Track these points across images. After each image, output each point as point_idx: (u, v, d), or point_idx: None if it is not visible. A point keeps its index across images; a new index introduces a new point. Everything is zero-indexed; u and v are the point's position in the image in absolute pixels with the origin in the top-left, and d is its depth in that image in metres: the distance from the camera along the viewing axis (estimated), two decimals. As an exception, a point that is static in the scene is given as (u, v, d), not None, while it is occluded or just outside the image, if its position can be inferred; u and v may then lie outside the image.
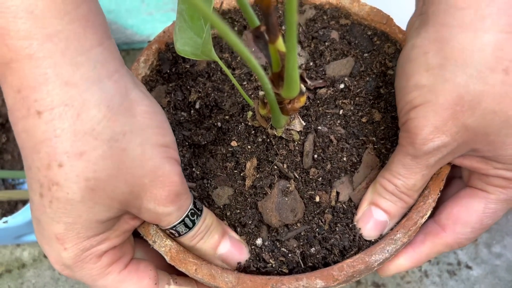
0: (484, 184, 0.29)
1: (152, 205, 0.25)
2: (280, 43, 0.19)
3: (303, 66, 0.34)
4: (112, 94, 0.23)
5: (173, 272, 0.29)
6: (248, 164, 0.30)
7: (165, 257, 0.28)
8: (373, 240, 0.29)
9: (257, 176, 0.30)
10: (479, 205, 0.29)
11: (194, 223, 0.27)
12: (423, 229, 0.30)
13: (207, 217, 0.28)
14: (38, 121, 0.22)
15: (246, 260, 0.28)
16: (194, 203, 0.27)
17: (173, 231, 0.27)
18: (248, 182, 0.30)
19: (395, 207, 0.29)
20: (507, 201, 0.28)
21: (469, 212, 0.29)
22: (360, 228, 0.29)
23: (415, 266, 0.30)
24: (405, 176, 0.28)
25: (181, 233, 0.27)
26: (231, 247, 0.28)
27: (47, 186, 0.23)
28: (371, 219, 0.29)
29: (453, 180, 0.33)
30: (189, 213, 0.27)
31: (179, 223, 0.27)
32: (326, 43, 0.35)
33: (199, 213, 0.27)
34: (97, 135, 0.22)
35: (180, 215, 0.26)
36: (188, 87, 0.34)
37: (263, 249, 0.29)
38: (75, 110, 0.22)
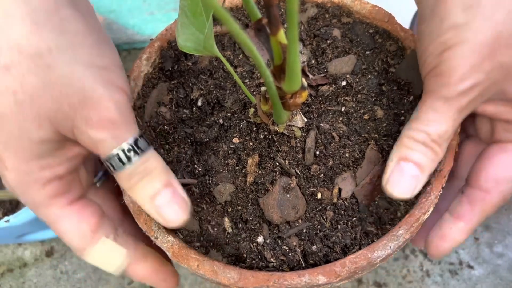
0: None
1: (84, 128, 0.24)
2: (281, 35, 0.19)
3: (305, 63, 0.34)
4: (39, 9, 0.23)
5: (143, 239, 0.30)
6: (250, 161, 0.30)
7: (167, 253, 0.28)
8: (403, 200, 0.29)
9: (259, 172, 0.30)
10: None
11: (129, 160, 0.25)
12: (465, 199, 0.30)
13: (151, 160, 0.26)
14: None
15: (247, 260, 0.28)
16: (136, 141, 0.25)
17: (108, 164, 0.25)
18: (249, 179, 0.30)
19: (426, 159, 0.27)
20: None
21: (508, 168, 0.28)
22: (389, 189, 0.27)
23: (467, 236, 0.30)
24: (437, 122, 0.26)
25: (115, 168, 0.25)
26: (171, 201, 0.25)
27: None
28: (402, 174, 0.27)
29: (463, 143, 0.32)
30: (126, 148, 0.25)
31: (114, 156, 0.25)
32: (328, 41, 0.35)
33: (139, 152, 0.25)
34: (21, 50, 0.22)
35: (114, 146, 0.25)
36: (190, 84, 0.34)
37: (264, 247, 0.29)
38: None
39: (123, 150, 0.25)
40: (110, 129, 0.24)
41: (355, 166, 0.30)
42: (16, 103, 0.23)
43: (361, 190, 0.30)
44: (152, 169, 0.26)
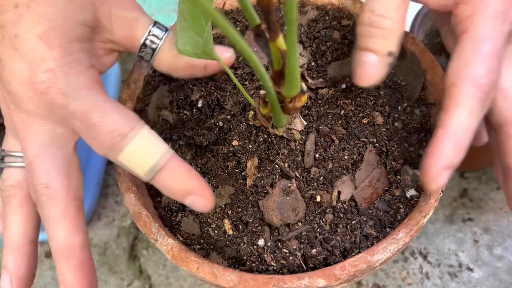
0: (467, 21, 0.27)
1: (119, 10, 0.28)
2: (280, 41, 0.19)
3: (305, 66, 0.34)
4: None
5: None
6: (249, 163, 0.30)
7: (167, 255, 0.28)
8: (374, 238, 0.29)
9: (258, 175, 0.30)
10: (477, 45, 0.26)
11: (166, 28, 0.30)
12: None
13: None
14: None
15: (247, 263, 0.28)
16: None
17: (153, 37, 0.29)
18: (249, 181, 0.30)
19: (380, 41, 0.27)
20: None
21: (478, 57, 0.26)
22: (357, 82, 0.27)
23: None
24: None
25: (162, 37, 0.30)
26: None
27: None
28: (364, 64, 0.27)
29: None
30: (156, 23, 0.30)
31: (153, 26, 0.29)
32: (328, 43, 0.35)
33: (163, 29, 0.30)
34: None
35: (148, 20, 0.29)
36: (191, 86, 0.34)
37: (265, 250, 0.29)
38: None
39: (156, 23, 0.30)
40: (140, 8, 0.29)
41: (354, 169, 0.30)
42: None
43: (360, 193, 0.30)
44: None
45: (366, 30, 0.28)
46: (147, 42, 0.29)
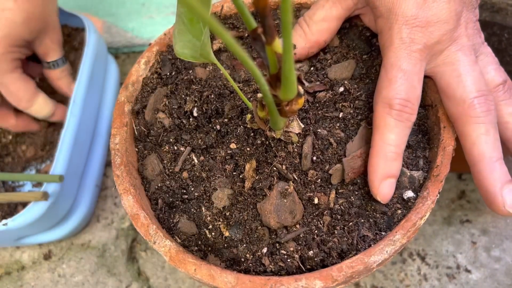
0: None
1: (49, 42, 0.45)
2: (277, 45, 0.19)
3: (304, 70, 0.35)
4: None
5: None
6: (247, 166, 0.30)
7: (165, 257, 0.28)
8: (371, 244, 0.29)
9: (256, 178, 0.30)
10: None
11: (64, 62, 0.48)
12: None
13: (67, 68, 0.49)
14: None
15: (245, 264, 0.29)
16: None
17: (55, 64, 0.47)
18: (247, 184, 0.30)
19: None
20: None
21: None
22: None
23: None
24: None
25: (58, 66, 0.48)
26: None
27: None
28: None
29: None
30: (63, 57, 0.48)
31: (60, 58, 0.47)
32: (326, 47, 0.35)
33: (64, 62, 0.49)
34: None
35: (60, 55, 0.47)
36: (183, 96, 0.34)
37: (263, 252, 0.29)
38: None
39: (63, 57, 0.48)
40: (60, 46, 0.47)
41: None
42: (27, 17, 0.42)
43: (350, 161, 0.30)
44: (70, 70, 0.50)
45: (296, 28, 0.36)
46: (56, 62, 0.48)
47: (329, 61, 0.34)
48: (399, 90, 0.29)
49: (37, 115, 0.47)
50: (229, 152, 0.31)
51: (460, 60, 0.30)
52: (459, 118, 0.30)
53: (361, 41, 0.35)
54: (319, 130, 0.31)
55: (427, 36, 0.30)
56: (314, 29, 0.34)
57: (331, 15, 0.34)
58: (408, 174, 0.30)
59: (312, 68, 0.34)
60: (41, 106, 0.46)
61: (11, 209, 0.46)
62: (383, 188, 0.29)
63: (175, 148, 0.33)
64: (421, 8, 0.30)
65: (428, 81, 0.32)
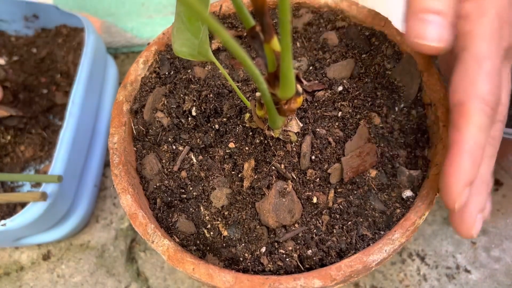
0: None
1: None
2: (275, 43, 0.19)
3: (303, 68, 0.35)
4: None
5: None
6: (246, 165, 0.30)
7: (163, 256, 0.28)
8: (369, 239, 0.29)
9: (255, 177, 0.30)
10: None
11: None
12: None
13: None
14: None
15: (244, 263, 0.28)
16: None
17: None
18: (246, 183, 0.30)
19: (444, 4, 0.26)
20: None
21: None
22: (415, 40, 0.26)
23: None
24: None
25: None
26: None
27: None
28: (427, 23, 0.25)
29: None
30: None
31: None
32: (325, 46, 0.35)
33: None
34: None
35: None
36: (182, 95, 0.34)
37: (261, 251, 0.29)
38: None
39: None
40: None
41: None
42: None
43: (349, 160, 0.30)
44: None
45: None
46: None
47: (328, 60, 0.34)
48: (493, 85, 0.26)
49: None
50: (227, 151, 0.31)
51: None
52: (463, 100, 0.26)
53: (360, 40, 0.35)
54: (318, 129, 0.31)
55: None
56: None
57: None
58: (407, 173, 0.30)
59: (311, 67, 0.34)
60: None
61: (10, 210, 0.46)
62: (463, 196, 0.25)
63: (174, 147, 0.33)
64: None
65: (427, 80, 0.32)
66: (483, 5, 0.27)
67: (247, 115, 0.30)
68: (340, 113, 0.32)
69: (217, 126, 0.32)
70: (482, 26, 0.27)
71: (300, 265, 0.28)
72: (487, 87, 0.26)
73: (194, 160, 0.32)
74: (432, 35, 0.26)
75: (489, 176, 0.28)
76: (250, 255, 0.29)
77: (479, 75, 0.26)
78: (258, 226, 0.30)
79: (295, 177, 0.30)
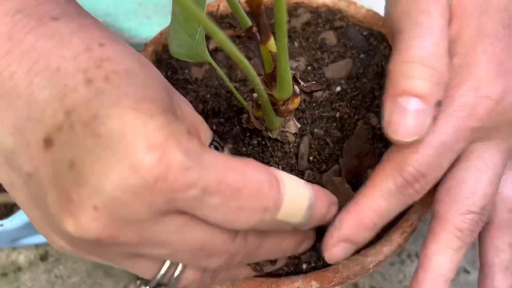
0: None
1: (188, 107, 0.24)
2: (271, 44, 0.19)
3: (300, 69, 0.34)
4: None
5: None
6: None
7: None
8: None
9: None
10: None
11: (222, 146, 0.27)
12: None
13: None
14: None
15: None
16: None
17: (217, 144, 0.25)
18: None
19: (429, 84, 0.22)
20: None
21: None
22: (390, 133, 0.22)
23: None
24: (425, 35, 0.23)
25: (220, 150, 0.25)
26: None
27: (93, 65, 0.18)
28: (404, 112, 0.22)
29: None
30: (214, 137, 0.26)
31: (213, 139, 0.25)
32: (323, 46, 0.35)
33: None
34: None
35: (209, 131, 0.25)
36: (185, 88, 0.34)
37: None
38: None
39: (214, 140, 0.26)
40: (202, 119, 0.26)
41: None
42: (139, 61, 0.21)
43: (347, 161, 0.29)
44: None
45: (410, 70, 0.23)
46: (211, 147, 0.25)
47: (326, 60, 0.34)
48: (422, 160, 0.23)
49: (292, 220, 0.22)
50: (225, 152, 0.31)
51: (495, 165, 0.25)
52: (442, 219, 0.26)
53: (359, 40, 0.35)
54: (316, 130, 0.31)
55: (493, 117, 0.23)
56: (446, 62, 0.23)
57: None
58: None
59: (309, 67, 0.34)
60: (295, 196, 0.21)
61: (7, 210, 0.46)
62: (335, 250, 0.24)
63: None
64: (500, 76, 0.24)
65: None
66: (461, 67, 0.24)
67: (245, 115, 0.30)
68: (338, 113, 0.32)
69: (214, 127, 0.32)
70: (451, 95, 0.23)
71: (297, 266, 0.28)
72: (411, 155, 0.23)
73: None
74: (408, 130, 0.22)
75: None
76: None
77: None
78: None
79: (293, 178, 0.30)
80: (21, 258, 0.49)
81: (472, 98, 0.23)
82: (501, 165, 0.25)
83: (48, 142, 0.18)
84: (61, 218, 0.17)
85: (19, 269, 0.48)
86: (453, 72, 0.24)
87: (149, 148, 0.16)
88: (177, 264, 0.21)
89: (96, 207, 0.17)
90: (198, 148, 0.18)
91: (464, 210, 0.25)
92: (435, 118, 0.23)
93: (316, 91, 0.33)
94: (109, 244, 0.18)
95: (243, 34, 0.36)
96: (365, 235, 0.24)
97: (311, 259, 0.28)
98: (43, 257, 0.48)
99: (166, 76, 0.35)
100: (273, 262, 0.26)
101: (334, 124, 0.32)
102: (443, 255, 0.25)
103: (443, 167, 0.24)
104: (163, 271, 0.21)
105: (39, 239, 0.47)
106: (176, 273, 0.21)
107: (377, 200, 0.23)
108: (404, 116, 0.22)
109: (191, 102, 0.33)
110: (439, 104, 0.23)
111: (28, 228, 0.43)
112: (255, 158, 0.30)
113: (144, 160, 0.16)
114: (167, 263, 0.21)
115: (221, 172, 0.18)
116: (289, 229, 0.22)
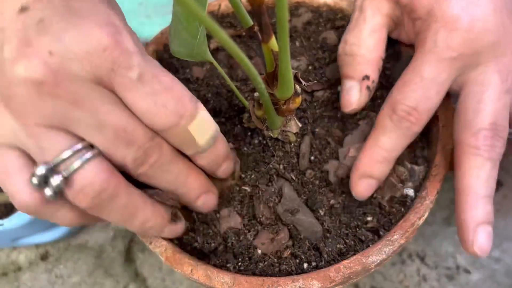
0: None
1: None
2: (273, 43, 0.19)
3: (301, 68, 0.34)
4: None
5: None
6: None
7: (161, 257, 0.27)
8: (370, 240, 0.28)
9: (253, 177, 0.30)
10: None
11: None
12: None
13: None
14: None
15: (242, 264, 0.28)
16: None
17: None
18: (244, 183, 0.30)
19: (330, 68, 0.32)
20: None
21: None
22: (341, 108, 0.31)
23: None
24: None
25: None
26: None
27: None
28: (342, 91, 0.31)
29: None
30: None
31: None
32: (325, 46, 0.35)
33: None
34: None
35: None
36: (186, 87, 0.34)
37: (259, 251, 0.29)
38: None
39: None
40: None
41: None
42: None
43: (348, 161, 0.30)
44: None
45: (343, 60, 0.31)
46: None
47: (327, 60, 0.34)
48: (409, 96, 0.27)
49: (197, 138, 0.25)
50: (226, 151, 0.31)
51: (492, 83, 0.27)
52: (460, 144, 0.28)
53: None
54: (317, 130, 0.31)
55: (468, 44, 0.26)
56: (369, 44, 0.30)
57: (378, 23, 0.31)
58: (406, 173, 0.30)
59: (310, 67, 0.34)
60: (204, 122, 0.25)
61: (8, 210, 0.46)
62: (359, 186, 0.28)
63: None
64: (464, 10, 0.27)
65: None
66: (427, 21, 0.28)
67: (246, 115, 0.30)
68: (339, 113, 0.32)
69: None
70: (424, 40, 0.28)
71: (299, 266, 0.28)
72: (399, 94, 0.28)
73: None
74: (345, 102, 0.31)
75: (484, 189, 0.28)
76: (248, 255, 0.29)
77: (397, 83, 0.29)
78: (256, 225, 0.29)
79: (294, 178, 0.30)
80: (22, 258, 0.49)
81: (442, 34, 0.27)
82: (501, 81, 0.27)
83: (23, 9, 0.21)
84: (14, 61, 0.20)
85: (19, 268, 0.48)
86: (422, 26, 0.28)
87: (107, 24, 0.21)
88: (86, 151, 0.22)
89: (51, 53, 0.20)
90: (143, 49, 0.23)
91: (474, 130, 0.27)
92: (371, 88, 0.31)
93: (317, 90, 0.33)
94: (48, 93, 0.20)
95: (244, 33, 0.37)
96: (379, 168, 0.28)
97: (313, 258, 0.28)
98: (44, 257, 0.48)
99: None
100: (175, 217, 0.27)
101: (336, 124, 0.31)
102: (469, 175, 0.27)
103: (431, 98, 0.28)
104: (70, 151, 0.22)
105: (39, 238, 0.47)
106: (78, 163, 0.21)
107: (380, 137, 0.28)
108: (342, 94, 0.31)
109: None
110: (366, 77, 0.30)
111: (28, 228, 0.43)
112: (256, 157, 0.30)
113: (101, 30, 0.21)
114: (79, 145, 0.22)
115: (157, 70, 0.22)
116: (197, 158, 0.25)
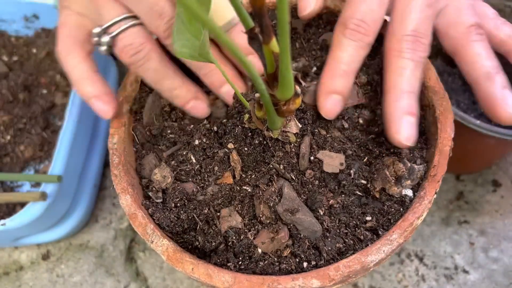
0: None
1: None
2: (274, 44, 0.19)
3: (300, 70, 0.35)
4: None
5: None
6: (232, 156, 0.30)
7: (162, 256, 0.28)
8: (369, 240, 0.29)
9: (253, 176, 0.30)
10: None
11: None
12: None
13: None
14: None
15: (242, 262, 0.29)
16: None
17: None
18: (236, 174, 0.30)
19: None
20: None
21: None
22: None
23: None
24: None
25: None
26: None
27: None
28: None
29: None
30: None
31: None
32: (325, 47, 0.35)
33: None
34: None
35: None
36: None
37: (260, 250, 0.29)
38: None
39: None
40: None
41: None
42: None
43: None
44: None
45: None
46: None
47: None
48: (355, 11, 0.31)
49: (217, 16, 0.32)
50: (227, 152, 0.31)
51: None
52: (387, 50, 0.31)
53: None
54: (316, 130, 0.31)
55: None
56: None
57: None
58: (409, 165, 0.30)
59: (310, 69, 0.35)
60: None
61: (10, 209, 0.46)
62: (326, 103, 0.30)
63: (176, 149, 0.33)
64: None
65: (426, 81, 0.32)
66: None
67: (246, 115, 0.30)
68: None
69: (215, 128, 0.32)
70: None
71: (299, 265, 0.28)
72: (347, 12, 0.31)
73: (193, 160, 0.32)
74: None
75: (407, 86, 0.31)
76: (248, 254, 0.29)
77: (344, 6, 0.31)
78: (256, 224, 0.30)
79: (294, 178, 0.30)
80: (23, 257, 0.49)
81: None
82: None
83: None
84: None
85: (21, 268, 0.48)
86: None
87: None
88: (131, 20, 0.30)
89: None
90: None
91: (398, 36, 0.31)
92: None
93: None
94: None
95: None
96: (342, 82, 0.30)
97: (312, 257, 0.28)
98: (45, 256, 0.49)
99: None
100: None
101: (335, 124, 0.32)
102: (394, 74, 0.30)
103: (375, 10, 0.31)
104: (119, 18, 0.30)
105: (41, 238, 0.47)
106: (123, 27, 0.30)
107: (338, 53, 0.31)
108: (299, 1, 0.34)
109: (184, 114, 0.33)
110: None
111: (30, 228, 0.43)
112: (256, 157, 0.30)
113: None
114: (126, 14, 0.31)
115: None
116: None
